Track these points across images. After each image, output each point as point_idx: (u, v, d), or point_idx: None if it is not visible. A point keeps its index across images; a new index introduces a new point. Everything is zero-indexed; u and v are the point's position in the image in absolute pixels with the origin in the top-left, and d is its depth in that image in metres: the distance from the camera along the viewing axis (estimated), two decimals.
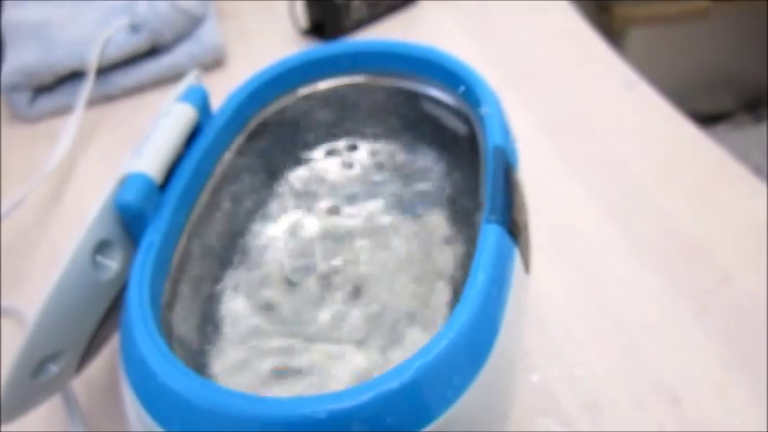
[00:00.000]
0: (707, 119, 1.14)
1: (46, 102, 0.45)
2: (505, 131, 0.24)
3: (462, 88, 0.25)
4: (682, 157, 0.39)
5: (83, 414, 0.28)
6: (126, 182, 0.21)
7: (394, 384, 0.16)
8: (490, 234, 0.19)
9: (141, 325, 0.17)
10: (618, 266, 0.33)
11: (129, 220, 0.21)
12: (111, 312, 0.22)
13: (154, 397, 0.17)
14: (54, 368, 0.20)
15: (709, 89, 1.14)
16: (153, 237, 0.20)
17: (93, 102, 0.45)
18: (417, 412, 0.16)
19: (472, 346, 0.17)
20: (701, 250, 0.33)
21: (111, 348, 0.27)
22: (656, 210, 0.36)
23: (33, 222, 0.39)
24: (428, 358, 0.16)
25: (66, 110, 0.45)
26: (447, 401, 0.16)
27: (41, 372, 0.20)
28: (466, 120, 0.26)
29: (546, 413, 0.28)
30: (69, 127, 0.42)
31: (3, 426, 0.20)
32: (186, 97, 0.24)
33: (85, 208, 0.40)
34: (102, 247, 0.21)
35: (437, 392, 0.16)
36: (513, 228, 0.20)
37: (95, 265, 0.20)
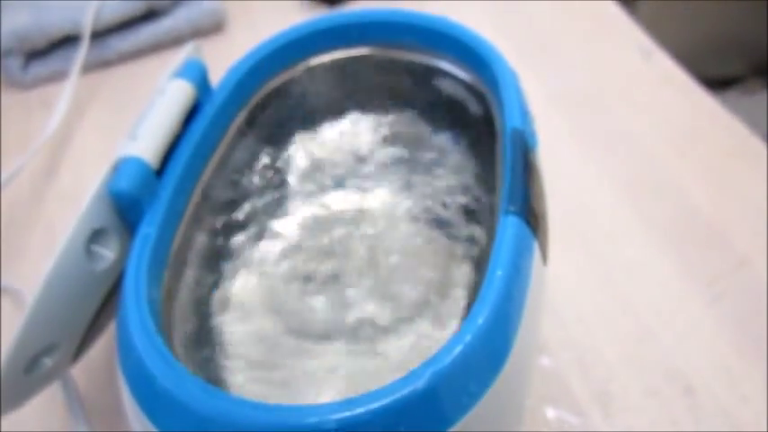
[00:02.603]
0: (718, 83, 1.12)
1: (40, 67, 0.44)
2: (524, 112, 0.22)
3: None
4: (699, 133, 0.37)
5: (80, 398, 0.27)
6: (120, 167, 0.19)
7: (406, 392, 0.15)
8: (508, 227, 0.18)
9: (139, 326, 0.16)
10: (631, 249, 0.32)
11: (125, 208, 0.20)
12: (109, 299, 0.21)
13: (153, 401, 0.16)
14: (48, 362, 0.20)
15: (720, 53, 1.11)
16: (149, 228, 0.19)
17: (88, 67, 0.43)
18: (431, 421, 0.15)
19: (490, 350, 0.16)
20: (717, 233, 0.32)
21: (110, 329, 0.26)
22: (670, 189, 0.35)
23: (28, 197, 0.38)
24: (443, 364, 0.15)
25: (60, 76, 0.43)
26: (462, 409, 0.16)
27: (35, 366, 0.19)
28: (481, 97, 0.25)
29: (556, 401, 0.27)
30: (64, 94, 0.40)
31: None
32: (183, 73, 0.22)
33: (82, 181, 0.39)
34: (96, 236, 0.20)
35: (452, 400, 0.15)
36: (532, 218, 0.19)
37: (90, 254, 0.19)
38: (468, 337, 0.16)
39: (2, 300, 0.32)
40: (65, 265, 0.18)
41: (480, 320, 0.16)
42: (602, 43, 0.43)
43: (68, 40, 0.43)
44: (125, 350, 0.17)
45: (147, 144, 0.20)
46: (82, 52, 0.42)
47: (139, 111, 0.42)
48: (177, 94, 0.21)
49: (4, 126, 0.42)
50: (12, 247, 0.35)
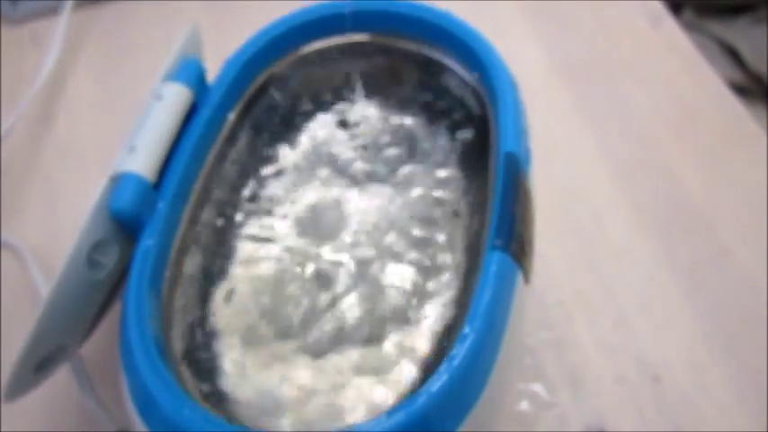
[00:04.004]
0: (729, 10, 1.08)
1: (29, 2, 0.42)
2: (519, 129, 0.22)
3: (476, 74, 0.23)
4: (699, 113, 0.37)
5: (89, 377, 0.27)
6: (119, 184, 0.20)
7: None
8: (493, 264, 0.19)
9: (143, 354, 0.17)
10: (617, 233, 0.33)
11: (125, 223, 0.20)
12: (112, 294, 0.22)
13: (157, 423, 0.17)
14: (55, 360, 0.21)
15: None
16: (149, 240, 0.20)
17: (77, 5, 0.42)
18: None
19: (466, 387, 0.17)
20: (704, 220, 0.33)
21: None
22: (663, 171, 0.35)
23: (24, 147, 0.37)
24: (418, 405, 0.16)
25: (50, 11, 0.42)
26: None
27: (43, 366, 0.20)
28: (479, 98, 0.25)
29: (529, 378, 0.29)
30: (57, 34, 0.39)
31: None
32: (180, 76, 0.22)
33: (78, 129, 0.39)
34: (96, 246, 0.20)
35: None
36: (518, 249, 0.20)
37: (91, 264, 0.20)
38: (445, 377, 0.17)
39: (1, 255, 0.33)
40: (68, 277, 0.19)
41: (457, 362, 0.17)
42: (612, 3, 0.41)
43: None
44: (130, 372, 0.18)
45: (145, 158, 0.20)
46: None
47: (130, 54, 0.41)
48: (174, 101, 0.21)
49: None
50: (9, 201, 0.35)
